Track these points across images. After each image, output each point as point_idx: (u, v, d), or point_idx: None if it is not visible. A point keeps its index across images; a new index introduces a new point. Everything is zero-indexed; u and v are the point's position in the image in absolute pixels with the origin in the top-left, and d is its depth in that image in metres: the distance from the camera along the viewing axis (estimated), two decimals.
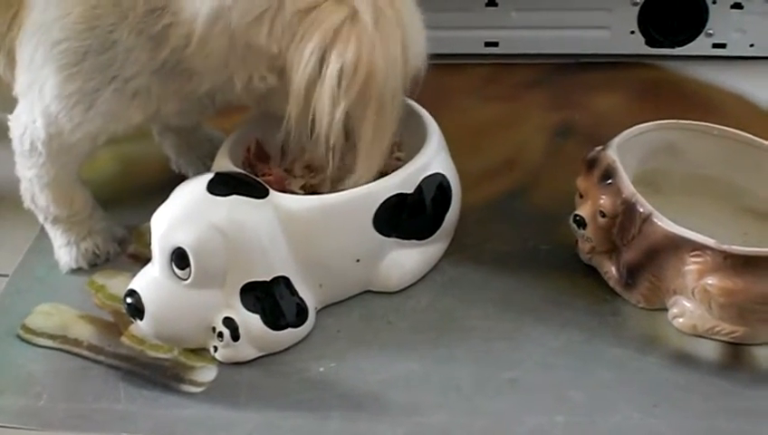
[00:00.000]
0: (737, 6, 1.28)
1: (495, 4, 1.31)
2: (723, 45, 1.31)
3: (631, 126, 0.96)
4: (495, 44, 1.34)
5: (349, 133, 0.85)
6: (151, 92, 0.87)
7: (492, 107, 1.24)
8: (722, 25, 1.30)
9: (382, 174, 0.92)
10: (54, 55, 0.85)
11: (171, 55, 0.84)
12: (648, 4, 1.29)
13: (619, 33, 1.32)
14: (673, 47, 1.32)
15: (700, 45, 1.31)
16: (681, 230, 0.84)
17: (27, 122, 0.91)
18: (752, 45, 1.31)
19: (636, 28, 1.31)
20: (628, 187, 0.87)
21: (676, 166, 0.98)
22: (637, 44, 1.32)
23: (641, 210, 0.86)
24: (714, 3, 1.28)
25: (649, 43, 1.32)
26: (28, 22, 0.87)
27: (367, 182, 0.88)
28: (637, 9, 1.29)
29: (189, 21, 0.82)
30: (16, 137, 0.93)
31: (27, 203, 0.98)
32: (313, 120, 0.83)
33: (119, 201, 1.07)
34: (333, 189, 0.90)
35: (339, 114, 0.82)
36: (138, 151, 1.14)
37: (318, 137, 0.83)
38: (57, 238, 0.99)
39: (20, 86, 0.91)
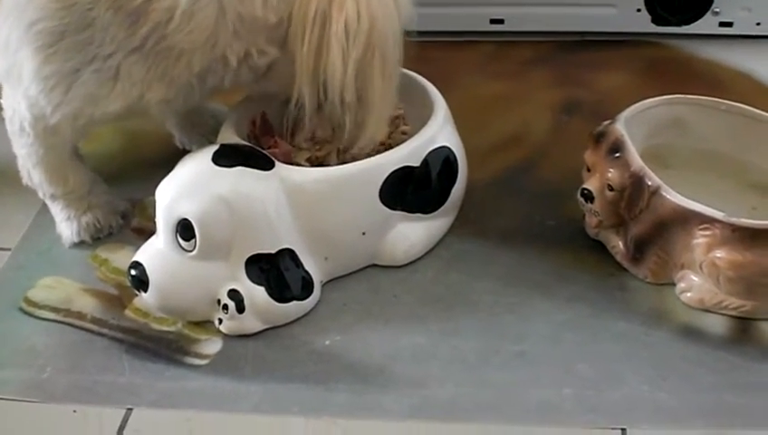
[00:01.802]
0: None
1: None
2: (729, 24, 1.30)
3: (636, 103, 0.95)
4: (501, 21, 1.33)
5: (359, 90, 0.84)
6: (133, 76, 0.84)
7: (497, 84, 1.23)
8: (728, 4, 1.29)
9: (388, 147, 0.92)
10: (30, 37, 0.82)
11: (152, 32, 0.81)
12: None
13: (626, 11, 1.30)
14: (679, 25, 1.31)
15: (707, 24, 1.30)
16: (690, 203, 0.83)
17: (14, 105, 0.90)
18: (758, 24, 1.30)
19: (642, 6, 1.30)
20: (637, 160, 0.86)
21: (684, 141, 0.98)
22: (643, 22, 1.31)
23: (649, 183, 0.85)
24: None
25: (656, 21, 1.31)
26: (2, 2, 0.85)
27: (377, 149, 0.87)
28: None
29: None
30: (6, 118, 0.93)
31: (25, 180, 0.98)
32: (325, 85, 0.82)
33: (122, 175, 1.06)
34: (339, 161, 0.89)
35: (351, 69, 0.81)
36: (141, 125, 1.13)
37: (332, 100, 0.82)
38: (57, 214, 0.99)
39: None
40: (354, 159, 0.90)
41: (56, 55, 0.83)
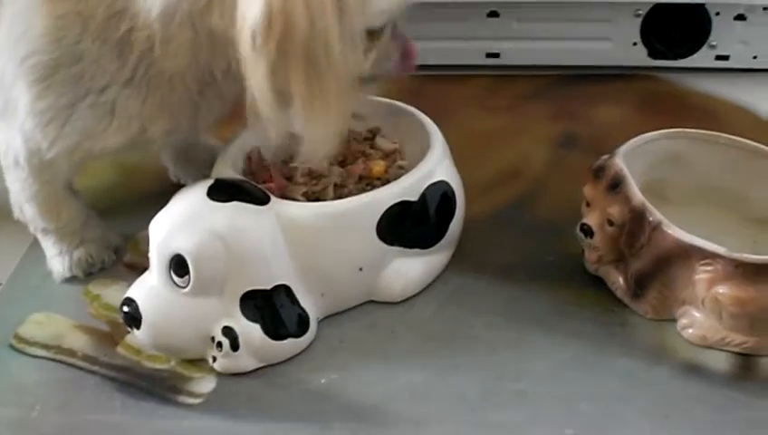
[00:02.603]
0: (740, 18, 1.28)
1: (497, 15, 1.30)
2: (726, 57, 1.31)
3: (634, 137, 0.94)
4: (497, 55, 1.33)
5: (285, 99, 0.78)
6: (129, 110, 0.83)
7: (494, 118, 1.23)
8: (725, 37, 1.29)
9: (385, 182, 0.91)
10: (24, 71, 0.82)
11: (140, 61, 0.80)
12: (651, 16, 1.28)
13: (622, 45, 1.31)
14: (676, 59, 1.31)
15: (703, 57, 1.31)
16: (691, 238, 0.82)
17: (8, 139, 0.89)
18: (755, 57, 1.31)
19: (638, 40, 1.30)
20: (637, 195, 0.86)
21: (683, 175, 0.97)
22: (639, 56, 1.31)
23: (650, 219, 0.84)
24: (717, 14, 1.27)
25: (652, 54, 1.31)
26: None
27: (373, 184, 0.86)
28: (639, 21, 1.29)
29: (148, 23, 0.78)
30: (1, 153, 0.91)
31: (17, 214, 0.96)
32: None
33: (116, 210, 1.05)
34: (336, 196, 0.88)
35: (261, 77, 0.75)
36: (136, 159, 1.12)
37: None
38: (49, 248, 0.97)
39: None
40: (351, 193, 0.90)
41: (50, 90, 0.82)
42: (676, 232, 0.83)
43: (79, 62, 0.80)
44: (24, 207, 0.94)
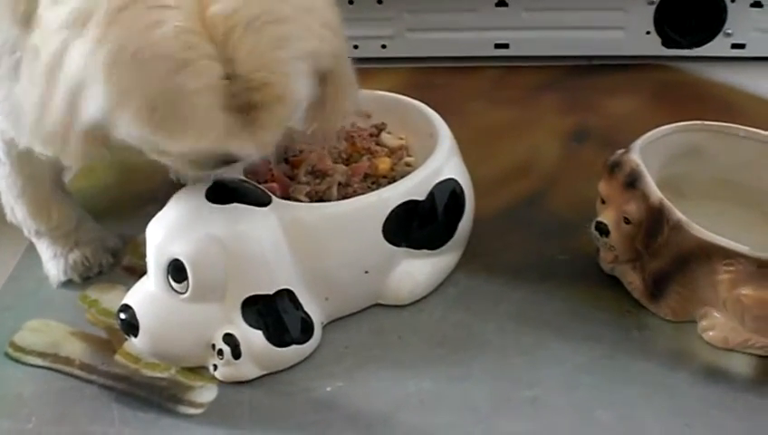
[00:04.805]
0: (757, 5, 1.25)
1: (505, 5, 1.27)
2: (742, 46, 1.28)
3: (648, 129, 0.91)
4: (506, 46, 1.30)
5: None
6: None
7: (503, 111, 1.20)
8: (741, 25, 1.26)
9: (392, 180, 0.88)
10: None
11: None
12: (665, 4, 1.25)
13: (635, 34, 1.28)
14: (690, 48, 1.28)
15: (719, 46, 1.28)
16: (713, 237, 0.79)
17: None
18: None
19: (652, 28, 1.27)
20: (655, 192, 0.82)
21: (701, 169, 0.94)
22: (653, 45, 1.28)
23: (669, 217, 0.81)
24: (732, 1, 1.24)
25: (666, 43, 1.28)
26: None
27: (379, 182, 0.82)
28: (653, 9, 1.26)
29: None
30: None
31: (9, 216, 0.93)
32: None
33: (114, 211, 1.02)
34: (340, 196, 0.86)
35: None
36: (133, 159, 1.09)
37: None
38: (44, 251, 0.94)
39: None
40: (356, 193, 0.87)
41: None
42: (697, 231, 0.80)
43: None
44: (15, 207, 0.91)
